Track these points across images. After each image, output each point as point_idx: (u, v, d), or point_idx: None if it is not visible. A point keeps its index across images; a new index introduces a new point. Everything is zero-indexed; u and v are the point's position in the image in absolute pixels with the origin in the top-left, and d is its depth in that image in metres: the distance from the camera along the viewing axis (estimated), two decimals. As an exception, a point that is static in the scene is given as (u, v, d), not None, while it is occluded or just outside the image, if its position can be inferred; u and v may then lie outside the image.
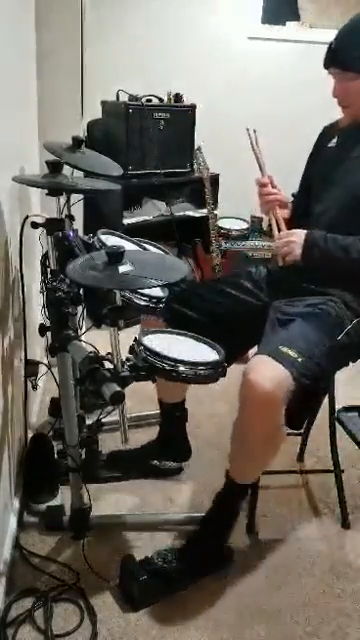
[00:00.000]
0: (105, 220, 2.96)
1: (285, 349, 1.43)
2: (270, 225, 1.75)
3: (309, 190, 1.78)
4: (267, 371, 1.39)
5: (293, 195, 1.87)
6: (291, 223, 1.75)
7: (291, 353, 1.42)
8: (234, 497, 1.61)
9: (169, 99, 3.22)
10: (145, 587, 1.51)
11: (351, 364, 1.67)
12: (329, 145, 1.74)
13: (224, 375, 1.36)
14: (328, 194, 1.69)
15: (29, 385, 1.81)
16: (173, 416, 1.99)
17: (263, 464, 1.60)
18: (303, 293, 1.62)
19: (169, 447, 2.01)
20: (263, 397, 1.38)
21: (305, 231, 1.60)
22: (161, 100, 3.19)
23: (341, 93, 1.59)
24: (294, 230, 1.63)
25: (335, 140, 1.73)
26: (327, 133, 1.77)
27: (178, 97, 3.22)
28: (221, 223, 3.37)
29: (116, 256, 1.24)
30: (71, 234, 1.54)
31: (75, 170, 1.71)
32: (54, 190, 1.57)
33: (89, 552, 1.61)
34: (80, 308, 1.62)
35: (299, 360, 1.42)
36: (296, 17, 3.54)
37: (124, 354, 1.36)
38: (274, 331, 1.57)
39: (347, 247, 1.54)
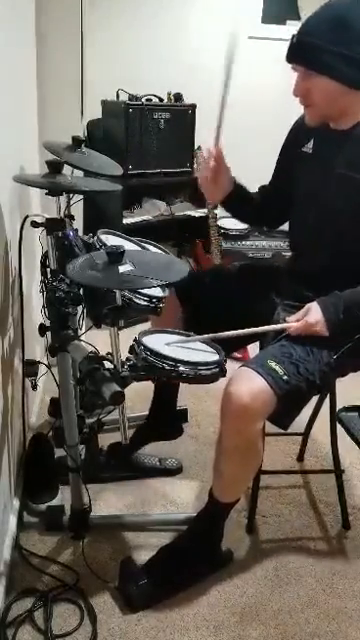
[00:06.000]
0: (105, 220, 2.96)
1: (273, 364, 1.40)
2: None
3: (283, 189, 1.74)
4: (247, 384, 1.37)
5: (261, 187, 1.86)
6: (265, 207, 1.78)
7: (278, 369, 1.39)
8: (214, 516, 1.60)
9: (169, 99, 3.22)
10: (144, 590, 1.51)
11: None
12: (304, 149, 1.63)
13: (224, 375, 1.36)
14: (313, 218, 1.62)
15: (29, 385, 1.81)
16: (167, 394, 1.99)
17: (240, 480, 1.57)
18: (307, 300, 1.56)
19: (160, 425, 2.01)
20: (239, 409, 1.37)
21: (319, 309, 1.47)
22: (161, 100, 3.20)
23: (302, 91, 1.48)
24: (310, 317, 1.47)
25: (311, 145, 1.62)
26: (302, 130, 1.65)
27: (178, 97, 3.23)
28: (221, 223, 3.39)
29: (116, 256, 1.24)
30: (71, 234, 1.53)
31: (75, 170, 1.71)
32: (54, 190, 1.57)
33: (89, 552, 1.61)
34: (80, 308, 1.62)
35: (284, 378, 1.39)
36: (296, 17, 3.54)
37: (124, 354, 1.36)
38: (272, 340, 1.55)
39: None
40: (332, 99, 1.47)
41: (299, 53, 1.44)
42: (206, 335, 1.45)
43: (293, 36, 1.44)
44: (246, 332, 1.51)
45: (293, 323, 1.49)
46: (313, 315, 1.48)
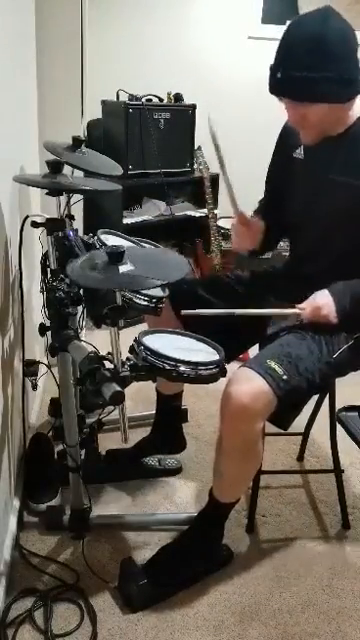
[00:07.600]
0: (105, 220, 2.96)
1: (273, 364, 1.40)
2: None
3: (278, 200, 1.74)
4: (247, 385, 1.37)
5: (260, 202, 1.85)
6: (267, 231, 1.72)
7: (278, 369, 1.39)
8: (214, 516, 1.60)
9: (169, 99, 3.22)
10: (144, 590, 1.51)
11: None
12: (295, 155, 1.63)
13: (224, 375, 1.36)
14: (311, 227, 1.63)
15: (29, 385, 1.81)
16: (170, 407, 1.99)
17: (240, 480, 1.57)
18: (304, 300, 1.57)
19: (164, 438, 2.01)
20: (239, 410, 1.37)
21: (330, 297, 1.50)
22: (161, 100, 3.20)
23: (298, 120, 1.47)
24: (318, 299, 1.51)
25: (301, 150, 1.61)
26: (291, 135, 1.63)
27: (178, 97, 3.23)
28: (221, 223, 3.38)
29: (116, 256, 1.24)
30: (71, 234, 1.54)
31: (75, 170, 1.71)
32: (54, 190, 1.57)
33: (89, 552, 1.62)
34: (80, 308, 1.62)
35: (284, 378, 1.39)
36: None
37: (124, 354, 1.36)
38: (270, 340, 1.55)
39: None
40: (329, 118, 1.46)
41: (288, 88, 1.40)
42: (223, 310, 1.54)
43: (275, 70, 1.40)
44: (257, 312, 1.56)
45: (303, 306, 1.52)
46: (321, 298, 1.50)
